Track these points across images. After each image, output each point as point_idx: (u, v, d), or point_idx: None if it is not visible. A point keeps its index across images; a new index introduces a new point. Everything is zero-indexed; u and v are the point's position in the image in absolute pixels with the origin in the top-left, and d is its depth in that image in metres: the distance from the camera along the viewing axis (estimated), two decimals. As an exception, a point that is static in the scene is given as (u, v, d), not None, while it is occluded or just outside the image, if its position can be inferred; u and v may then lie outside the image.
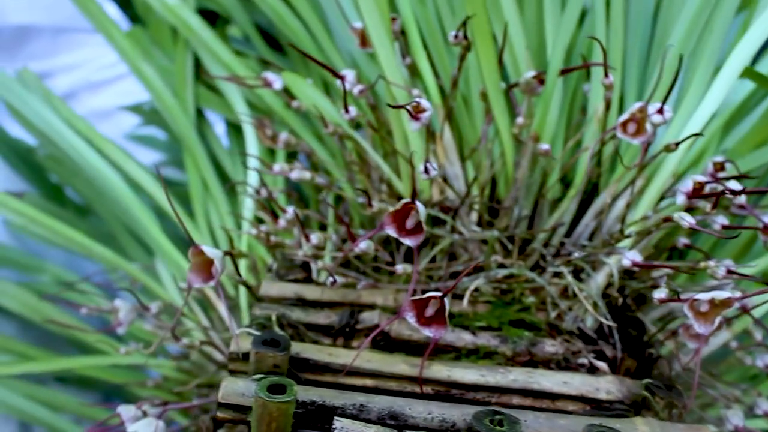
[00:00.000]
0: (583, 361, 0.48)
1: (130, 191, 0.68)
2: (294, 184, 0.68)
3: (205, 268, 0.47)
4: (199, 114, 0.74)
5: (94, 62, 1.10)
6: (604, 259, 0.51)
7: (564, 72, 0.52)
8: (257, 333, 0.47)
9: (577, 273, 0.52)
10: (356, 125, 0.60)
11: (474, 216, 0.55)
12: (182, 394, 0.62)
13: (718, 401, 0.54)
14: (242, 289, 0.60)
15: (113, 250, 0.71)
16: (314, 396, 0.41)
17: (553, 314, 0.51)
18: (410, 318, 0.43)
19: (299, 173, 0.54)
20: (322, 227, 0.62)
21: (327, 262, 0.53)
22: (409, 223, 0.44)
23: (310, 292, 0.52)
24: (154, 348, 0.58)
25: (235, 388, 0.41)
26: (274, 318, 0.48)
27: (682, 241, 0.52)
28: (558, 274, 0.52)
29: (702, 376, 0.52)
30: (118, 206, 0.69)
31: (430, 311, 0.44)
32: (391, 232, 0.44)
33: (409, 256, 0.55)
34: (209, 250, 0.46)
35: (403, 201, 0.43)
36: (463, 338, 0.49)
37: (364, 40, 0.56)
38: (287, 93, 0.62)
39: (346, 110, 0.50)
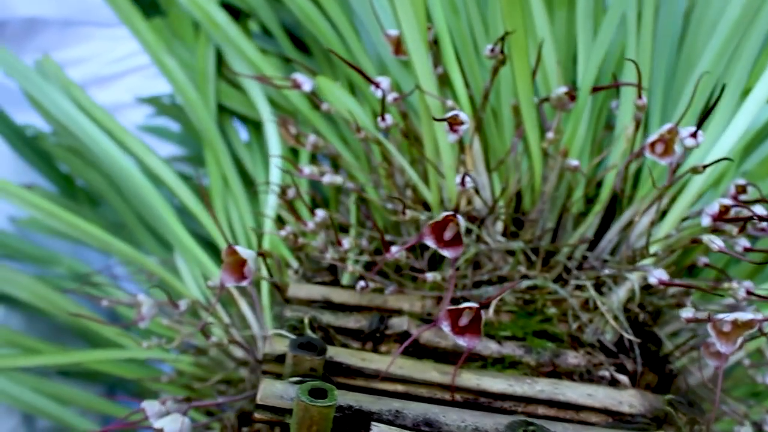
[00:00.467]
0: (605, 373, 0.50)
1: (149, 184, 0.68)
2: (314, 184, 0.68)
3: (238, 267, 0.47)
4: (219, 110, 0.75)
5: (102, 56, 1.09)
6: (627, 274, 0.52)
7: (595, 90, 0.54)
8: (289, 335, 0.47)
9: (598, 286, 0.54)
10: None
11: (499, 226, 0.56)
12: (198, 389, 0.62)
13: (725, 416, 0.56)
14: (264, 288, 0.60)
15: (127, 243, 0.71)
16: (351, 401, 0.42)
17: (574, 326, 0.52)
18: (445, 327, 0.44)
19: (331, 177, 0.55)
20: (342, 229, 0.63)
21: (356, 267, 0.53)
22: (448, 235, 0.45)
23: (337, 295, 0.53)
24: (177, 343, 0.58)
25: (274, 390, 0.42)
26: (306, 321, 0.48)
27: (703, 260, 0.53)
28: (579, 287, 0.54)
29: (714, 392, 0.54)
30: (136, 199, 0.69)
31: (464, 320, 0.45)
32: (430, 243, 0.44)
33: (433, 263, 0.56)
34: (243, 251, 0.46)
35: (445, 213, 0.44)
36: (489, 347, 0.50)
37: (398, 47, 0.57)
38: (313, 94, 0.63)
39: (383, 118, 0.51)
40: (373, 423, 0.40)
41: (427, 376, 0.46)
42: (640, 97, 0.49)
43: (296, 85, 0.61)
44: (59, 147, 0.83)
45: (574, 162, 0.53)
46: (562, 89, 0.54)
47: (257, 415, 0.42)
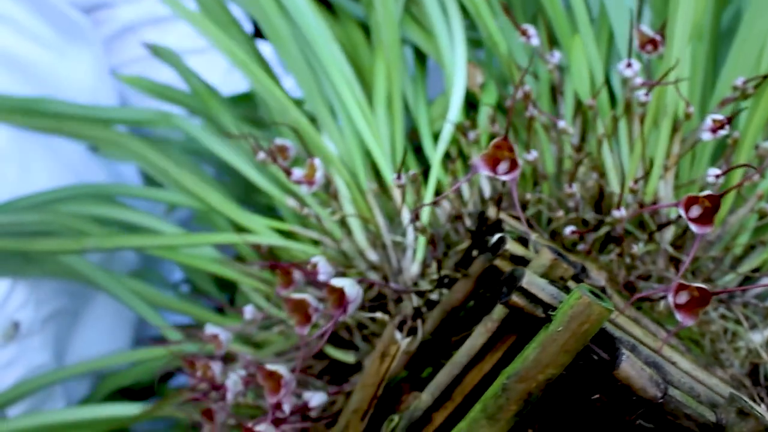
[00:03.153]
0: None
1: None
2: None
3: (494, 161, 0.47)
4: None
5: None
6: (775, 320, 0.57)
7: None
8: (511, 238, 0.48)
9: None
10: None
11: (669, 236, 0.59)
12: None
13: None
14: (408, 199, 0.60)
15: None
16: (599, 319, 0.43)
17: (708, 348, 0.56)
18: (671, 299, 0.46)
19: (565, 124, 0.57)
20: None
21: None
22: (694, 213, 0.48)
23: (514, 246, 0.54)
24: (336, 219, 0.57)
25: (537, 282, 0.42)
26: (533, 237, 0.49)
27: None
28: (724, 316, 0.58)
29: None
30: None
31: (681, 299, 0.47)
32: (682, 213, 0.47)
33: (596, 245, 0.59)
34: (515, 150, 0.47)
35: (706, 192, 0.47)
36: (661, 334, 0.52)
37: (645, 43, 0.60)
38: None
39: (646, 94, 0.54)
40: (622, 348, 0.42)
41: (633, 331, 0.48)
42: None
43: (526, 35, 0.62)
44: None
45: (769, 206, 0.57)
46: (776, 142, 0.59)
47: (515, 299, 0.42)
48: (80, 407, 0.78)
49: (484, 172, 0.47)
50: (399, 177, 0.50)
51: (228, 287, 0.84)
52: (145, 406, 0.71)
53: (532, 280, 0.42)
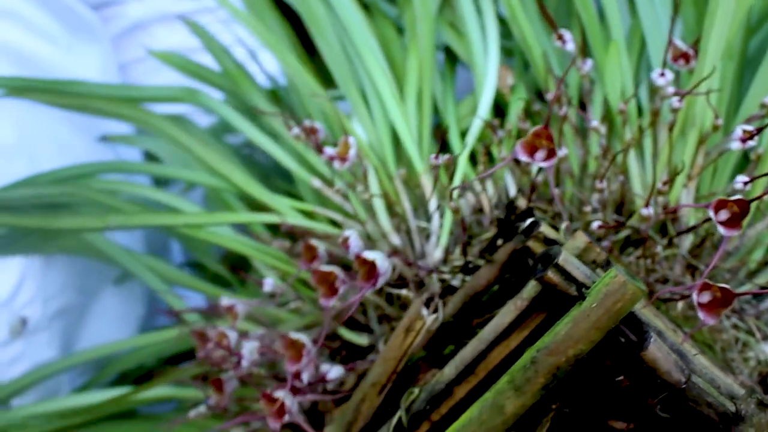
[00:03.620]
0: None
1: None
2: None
3: (532, 148, 0.48)
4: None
5: None
6: (785, 334, 0.58)
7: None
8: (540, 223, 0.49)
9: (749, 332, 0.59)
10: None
11: (687, 243, 0.60)
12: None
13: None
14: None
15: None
16: (629, 303, 0.44)
17: (720, 356, 0.57)
18: (695, 297, 0.47)
19: (596, 124, 0.58)
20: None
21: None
22: (722, 216, 0.49)
23: (548, 230, 0.55)
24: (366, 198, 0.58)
25: (572, 260, 0.43)
26: (564, 226, 0.50)
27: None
28: (736, 326, 0.59)
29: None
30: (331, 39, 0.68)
31: (704, 299, 0.48)
32: (712, 216, 0.48)
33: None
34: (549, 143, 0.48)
35: (736, 197, 0.48)
36: (679, 333, 0.53)
37: (677, 57, 0.62)
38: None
39: (680, 100, 0.56)
40: (651, 332, 0.42)
41: (656, 323, 0.48)
42: None
43: (562, 39, 0.64)
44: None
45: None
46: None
47: (550, 275, 0.43)
48: (83, 393, 0.78)
49: (523, 158, 0.48)
50: (437, 157, 0.51)
51: (237, 272, 0.84)
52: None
53: (568, 258, 0.43)
